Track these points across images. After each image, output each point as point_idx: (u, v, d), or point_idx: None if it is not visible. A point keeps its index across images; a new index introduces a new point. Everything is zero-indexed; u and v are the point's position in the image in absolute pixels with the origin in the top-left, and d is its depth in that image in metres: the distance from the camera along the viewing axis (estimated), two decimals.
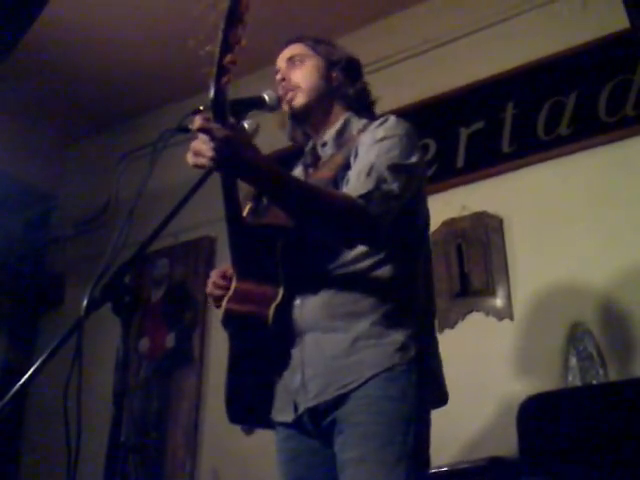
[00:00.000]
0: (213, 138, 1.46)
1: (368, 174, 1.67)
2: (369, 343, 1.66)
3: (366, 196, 1.63)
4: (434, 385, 1.74)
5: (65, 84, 4.33)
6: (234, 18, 1.50)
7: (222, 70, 1.51)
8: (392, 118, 1.82)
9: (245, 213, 1.84)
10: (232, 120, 1.56)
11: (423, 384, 1.66)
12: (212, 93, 1.51)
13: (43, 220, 4.81)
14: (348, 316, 1.68)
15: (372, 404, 1.62)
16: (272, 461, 1.83)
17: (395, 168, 1.69)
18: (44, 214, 4.83)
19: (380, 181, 1.66)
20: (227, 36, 1.50)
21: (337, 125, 1.91)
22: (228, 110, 1.53)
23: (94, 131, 4.83)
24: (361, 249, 1.71)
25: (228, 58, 1.50)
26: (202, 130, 1.47)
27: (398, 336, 1.67)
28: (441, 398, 1.77)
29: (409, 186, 1.72)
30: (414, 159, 1.75)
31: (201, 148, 1.48)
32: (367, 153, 1.73)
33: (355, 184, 1.68)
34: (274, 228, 1.74)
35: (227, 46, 1.50)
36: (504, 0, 3.52)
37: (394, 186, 1.67)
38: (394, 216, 1.68)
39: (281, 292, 1.69)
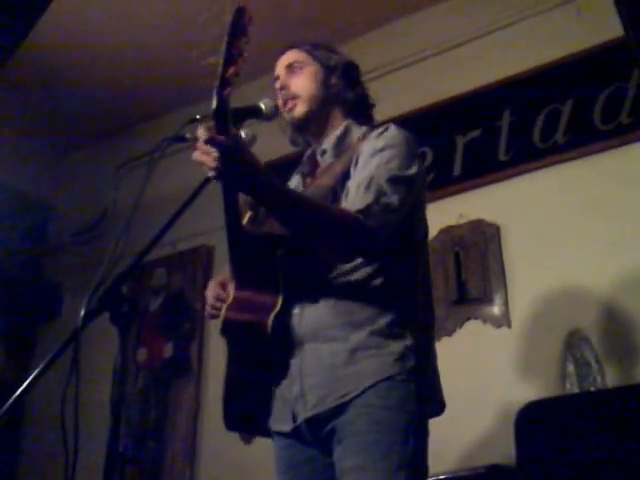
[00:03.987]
0: (216, 150, 1.48)
1: (367, 187, 1.67)
2: (368, 353, 1.66)
3: (364, 211, 1.63)
4: (432, 395, 1.74)
5: (62, 94, 4.33)
6: (238, 31, 1.51)
7: (225, 82, 1.51)
8: (392, 127, 1.82)
9: (245, 221, 1.84)
10: (234, 131, 1.57)
11: (422, 394, 1.66)
12: (214, 104, 1.52)
13: (40, 230, 4.80)
14: (347, 326, 1.68)
15: (371, 413, 1.61)
16: (271, 470, 1.83)
17: (394, 180, 1.69)
18: (41, 224, 4.81)
19: (379, 194, 1.66)
20: (230, 49, 1.51)
21: (337, 132, 1.91)
22: (230, 122, 1.54)
23: (91, 140, 4.83)
24: (360, 259, 1.72)
25: (231, 70, 1.51)
26: (206, 142, 1.49)
27: (397, 346, 1.67)
28: (438, 408, 1.77)
29: (408, 197, 1.73)
30: (414, 169, 1.75)
31: (202, 159, 1.50)
32: (367, 164, 1.73)
33: (354, 198, 1.69)
34: (274, 236, 1.74)
35: (230, 59, 1.51)
36: (500, 9, 3.53)
37: (393, 199, 1.67)
38: (393, 228, 1.69)
39: (280, 301, 1.68)
